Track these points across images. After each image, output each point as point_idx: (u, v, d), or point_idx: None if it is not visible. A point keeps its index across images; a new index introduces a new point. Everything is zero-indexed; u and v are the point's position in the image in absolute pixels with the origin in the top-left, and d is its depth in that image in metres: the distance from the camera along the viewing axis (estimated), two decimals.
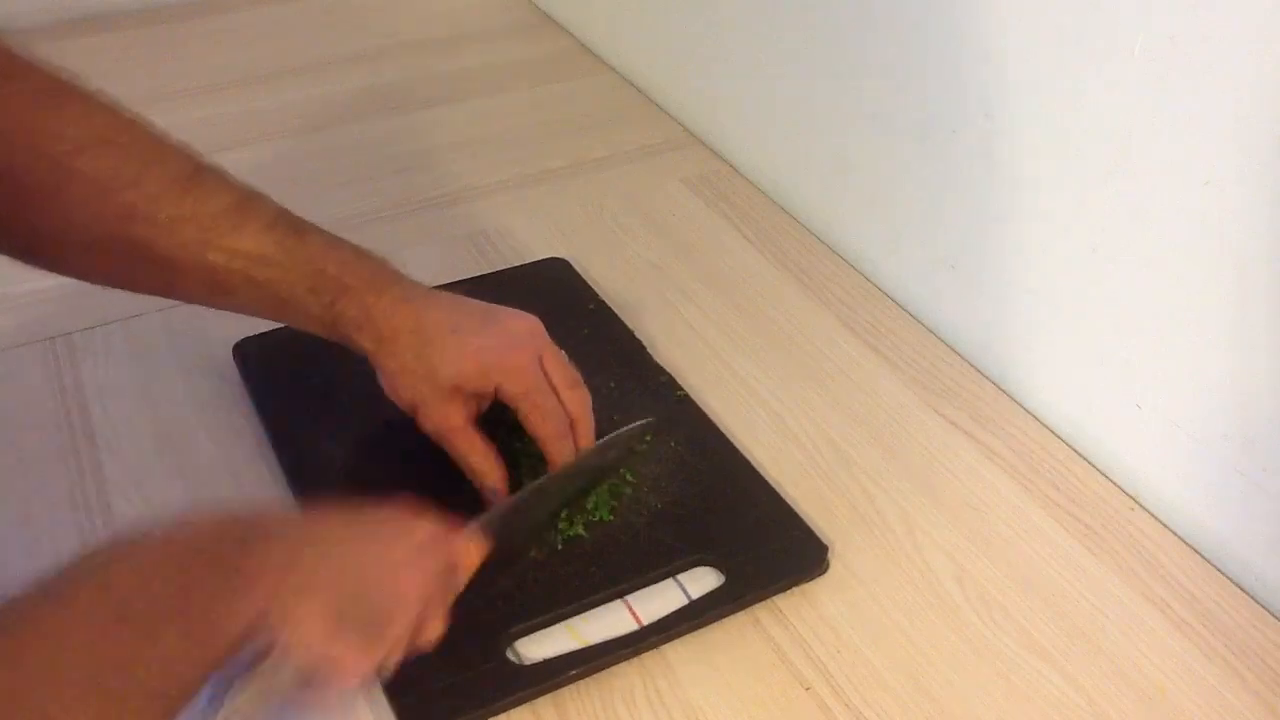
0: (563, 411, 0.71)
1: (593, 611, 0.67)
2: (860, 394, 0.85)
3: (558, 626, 0.67)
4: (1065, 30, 0.73)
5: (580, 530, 0.71)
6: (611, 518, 0.72)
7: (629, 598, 0.68)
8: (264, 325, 0.86)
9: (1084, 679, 0.66)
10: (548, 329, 0.73)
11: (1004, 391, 0.85)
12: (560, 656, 0.65)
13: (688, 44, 1.18)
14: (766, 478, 0.76)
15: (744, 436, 0.80)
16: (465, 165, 1.12)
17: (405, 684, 0.62)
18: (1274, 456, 0.69)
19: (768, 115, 1.08)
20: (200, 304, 0.71)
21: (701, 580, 0.70)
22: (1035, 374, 0.84)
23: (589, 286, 0.93)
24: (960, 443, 0.81)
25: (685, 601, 0.68)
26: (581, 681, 0.65)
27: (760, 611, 0.69)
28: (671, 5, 1.19)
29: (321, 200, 1.05)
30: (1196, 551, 0.74)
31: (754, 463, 0.77)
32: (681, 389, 0.83)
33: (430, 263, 0.96)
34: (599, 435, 0.73)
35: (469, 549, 0.61)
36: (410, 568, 0.57)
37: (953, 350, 0.89)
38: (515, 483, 0.71)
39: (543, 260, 0.97)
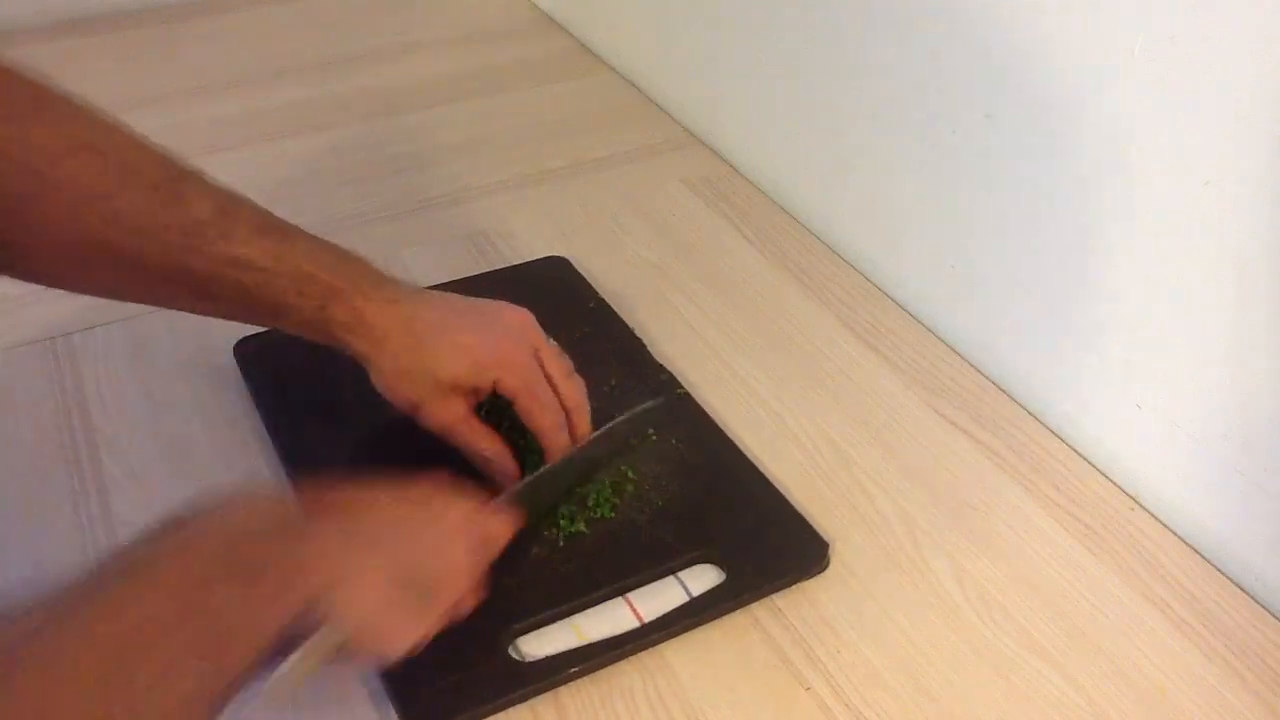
0: (559, 403, 0.72)
1: (594, 609, 0.67)
2: (860, 394, 0.85)
3: (559, 624, 0.67)
4: (1065, 30, 0.73)
5: (582, 527, 0.71)
6: (613, 515, 0.73)
7: (630, 595, 0.68)
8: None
9: (1084, 679, 0.66)
10: (548, 328, 0.74)
11: (1004, 391, 0.86)
12: (562, 654, 0.65)
13: (688, 44, 1.18)
14: (767, 475, 0.76)
15: (744, 436, 0.80)
16: (465, 165, 1.12)
17: (408, 681, 0.62)
18: (1274, 456, 0.69)
19: (768, 115, 1.08)
20: (187, 311, 0.71)
21: (702, 577, 0.70)
22: (1035, 374, 0.84)
23: (589, 285, 0.93)
24: (960, 443, 0.81)
25: (686, 599, 0.68)
26: (581, 681, 0.65)
27: (760, 611, 0.69)
28: (671, 5, 1.19)
29: (321, 200, 1.06)
30: (1196, 551, 0.74)
31: (754, 460, 0.77)
32: (682, 387, 0.83)
33: (430, 263, 0.96)
34: (596, 427, 0.74)
35: (504, 521, 0.63)
36: (457, 540, 0.60)
37: (953, 350, 0.89)
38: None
39: (542, 259, 0.97)
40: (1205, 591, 0.71)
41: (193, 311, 0.71)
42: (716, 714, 0.63)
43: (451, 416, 0.70)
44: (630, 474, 0.75)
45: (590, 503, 0.73)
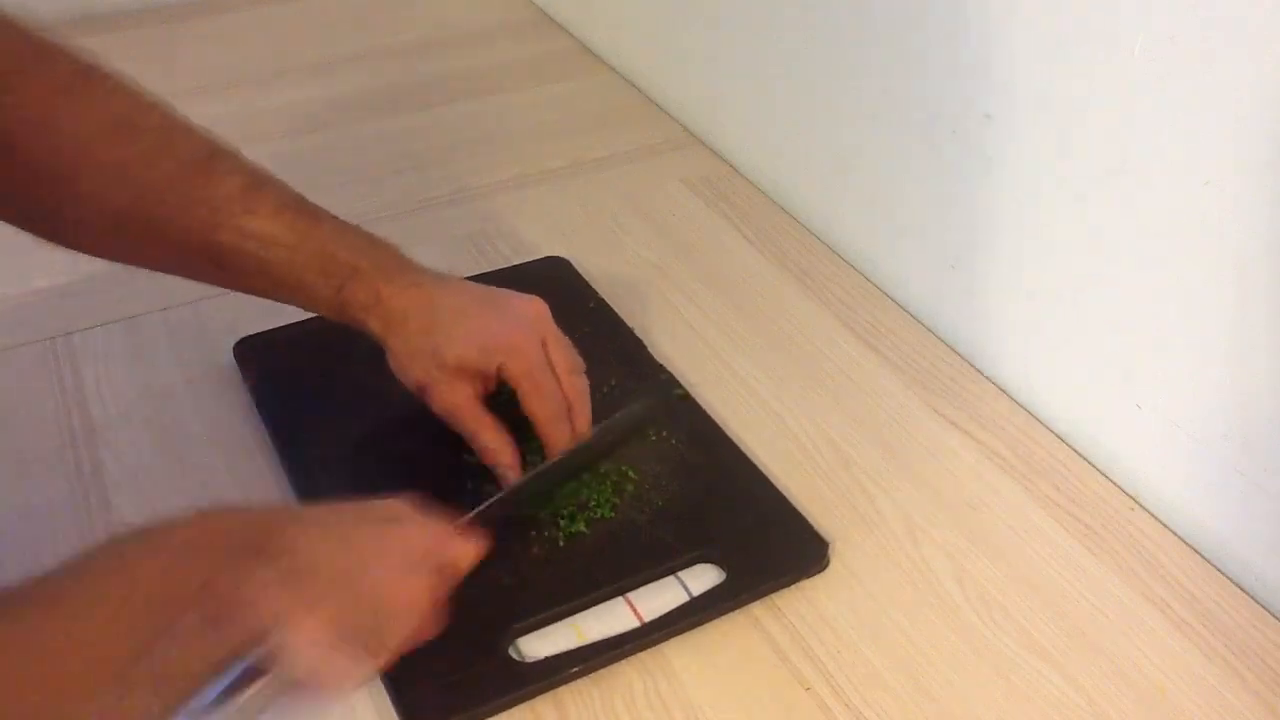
0: (561, 394, 0.72)
1: (594, 609, 0.67)
2: (860, 394, 0.85)
3: (559, 624, 0.67)
4: (1065, 30, 0.73)
5: (582, 527, 0.71)
6: (613, 515, 0.73)
7: (630, 595, 0.68)
8: (265, 324, 0.86)
9: (1084, 679, 0.66)
10: None
11: (1004, 391, 0.85)
12: (562, 654, 0.65)
13: (688, 44, 1.18)
14: (766, 474, 0.76)
15: (744, 436, 0.80)
16: (465, 165, 1.12)
17: (409, 681, 0.62)
18: (1274, 456, 0.69)
19: (768, 115, 1.08)
20: (212, 284, 0.72)
21: (702, 577, 0.70)
22: (1035, 374, 0.84)
23: (589, 285, 0.93)
24: (960, 443, 0.81)
25: (686, 599, 0.68)
26: (581, 682, 0.65)
27: (760, 611, 0.69)
28: (671, 5, 1.19)
29: (321, 200, 1.04)
30: (1196, 551, 0.74)
31: (754, 460, 0.77)
32: (681, 386, 0.83)
33: (430, 262, 0.95)
34: (597, 421, 0.74)
35: (468, 547, 0.61)
36: (413, 573, 0.57)
37: (953, 350, 0.89)
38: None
39: (543, 259, 0.97)
40: (1205, 591, 0.71)
41: (219, 285, 0.72)
42: (716, 714, 0.63)
43: (457, 400, 0.71)
44: (631, 474, 0.75)
45: (591, 503, 0.73)
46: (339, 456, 0.77)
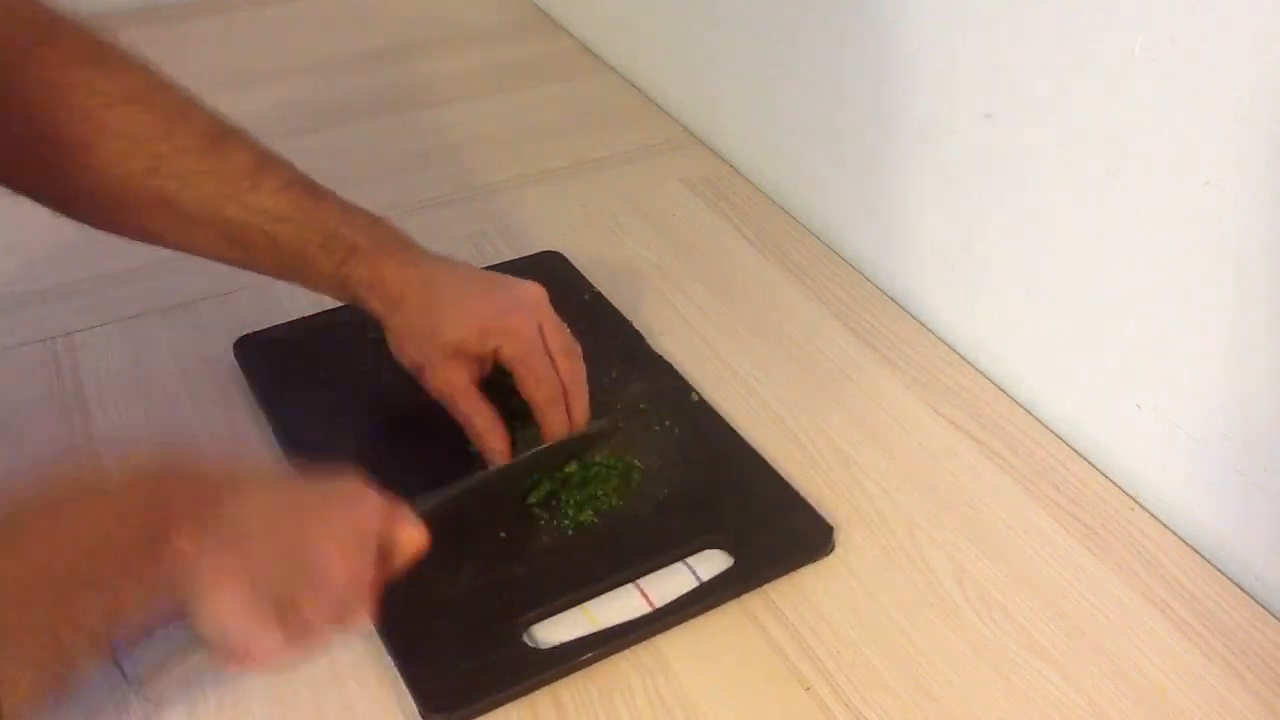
0: (557, 378, 0.72)
1: (605, 596, 0.68)
2: (860, 394, 0.85)
3: (572, 611, 0.67)
4: (1065, 30, 0.73)
5: (590, 517, 0.72)
6: (621, 504, 0.74)
7: (640, 581, 0.69)
8: (264, 322, 0.87)
9: (1084, 679, 0.66)
10: None
11: (1004, 391, 0.85)
12: (576, 640, 0.65)
13: (688, 44, 1.18)
14: (768, 460, 0.77)
15: (744, 435, 0.80)
16: (465, 165, 1.12)
17: (425, 671, 0.63)
18: (1274, 456, 0.69)
19: (768, 115, 1.08)
20: (218, 260, 0.73)
21: (710, 562, 0.70)
22: (1035, 374, 0.84)
23: (584, 279, 0.94)
24: (960, 443, 0.81)
25: (696, 584, 0.69)
26: (581, 681, 0.65)
27: (761, 611, 0.69)
28: (671, 5, 1.19)
29: None
30: (1196, 551, 0.74)
31: (754, 446, 0.78)
32: (681, 377, 0.84)
33: None
34: (598, 415, 0.75)
35: (410, 539, 0.59)
36: (354, 552, 0.55)
37: (952, 350, 0.89)
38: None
39: (537, 254, 0.97)
40: (1205, 591, 0.71)
41: (227, 261, 0.73)
42: (717, 714, 0.63)
43: (453, 382, 0.71)
44: (636, 464, 0.76)
45: (599, 494, 0.74)
46: (340, 454, 0.77)
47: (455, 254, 0.98)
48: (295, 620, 0.53)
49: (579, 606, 0.67)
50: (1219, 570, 0.72)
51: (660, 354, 0.86)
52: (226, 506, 0.54)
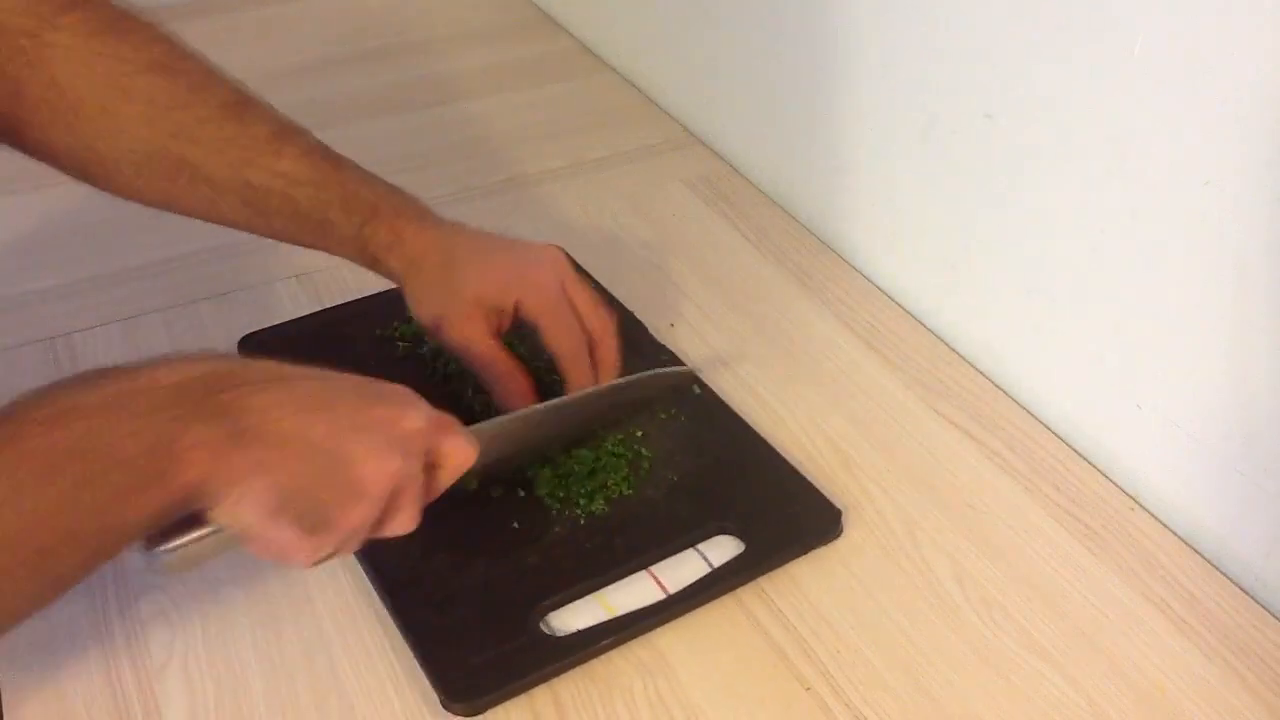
0: (581, 331, 0.72)
1: (619, 583, 0.69)
2: (860, 394, 0.85)
3: (587, 599, 0.68)
4: (1065, 30, 0.73)
5: (602, 505, 0.73)
6: (631, 492, 0.74)
7: (653, 568, 0.69)
8: (264, 322, 0.87)
9: (1084, 679, 0.66)
10: None
11: (1004, 391, 0.85)
12: (593, 627, 0.66)
13: (688, 44, 1.18)
14: (775, 447, 0.77)
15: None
16: (465, 165, 1.12)
17: (443, 659, 0.64)
18: (1274, 456, 0.69)
19: (768, 115, 1.08)
20: (239, 226, 0.73)
21: (722, 548, 0.71)
22: (1035, 374, 0.84)
23: (584, 271, 0.93)
24: (960, 443, 0.81)
25: (708, 569, 0.69)
26: (580, 681, 0.65)
27: (760, 611, 0.69)
28: (671, 5, 1.19)
29: None
30: (1196, 551, 0.74)
31: (761, 434, 0.79)
32: (685, 365, 0.84)
33: None
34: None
35: (458, 450, 0.58)
36: (378, 459, 0.54)
37: (953, 350, 0.89)
38: None
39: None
40: (1205, 591, 0.71)
41: (249, 229, 0.73)
42: (717, 714, 0.63)
43: (471, 334, 0.72)
44: (645, 452, 0.77)
45: (609, 482, 0.74)
46: None
47: None
48: (322, 525, 0.52)
49: (594, 594, 0.68)
50: (1219, 570, 0.72)
51: (663, 344, 0.87)
52: (255, 400, 0.52)
